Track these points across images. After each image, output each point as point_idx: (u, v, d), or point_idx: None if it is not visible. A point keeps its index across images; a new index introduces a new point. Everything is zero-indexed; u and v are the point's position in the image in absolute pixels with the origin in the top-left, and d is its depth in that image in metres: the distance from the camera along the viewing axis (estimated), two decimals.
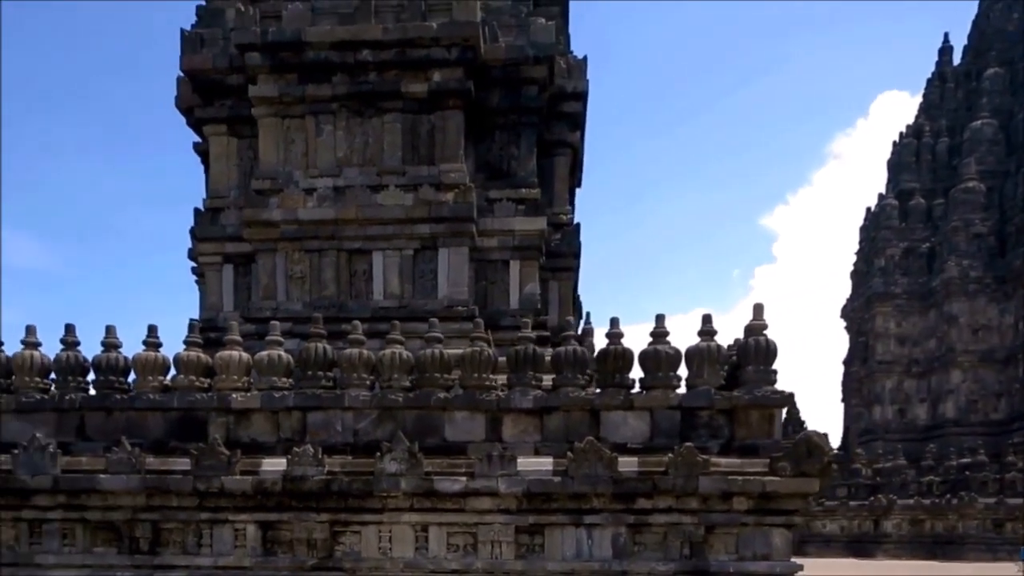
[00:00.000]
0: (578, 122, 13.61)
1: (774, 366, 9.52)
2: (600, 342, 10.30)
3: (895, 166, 52.59)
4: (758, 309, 9.73)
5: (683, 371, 9.65)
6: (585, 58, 13.65)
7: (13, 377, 9.69)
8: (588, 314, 21.10)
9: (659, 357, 9.58)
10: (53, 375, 9.79)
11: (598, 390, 9.58)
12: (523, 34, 12.42)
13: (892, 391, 49.60)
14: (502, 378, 9.78)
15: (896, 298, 49.11)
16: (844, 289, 56.16)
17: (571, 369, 9.58)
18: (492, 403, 9.43)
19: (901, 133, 53.43)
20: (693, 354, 9.58)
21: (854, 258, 54.68)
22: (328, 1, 12.10)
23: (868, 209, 53.35)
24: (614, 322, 10.19)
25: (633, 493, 8.91)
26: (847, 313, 55.13)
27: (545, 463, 9.07)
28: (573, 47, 14.28)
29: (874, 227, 51.36)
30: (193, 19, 13.36)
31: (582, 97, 13.43)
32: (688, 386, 9.55)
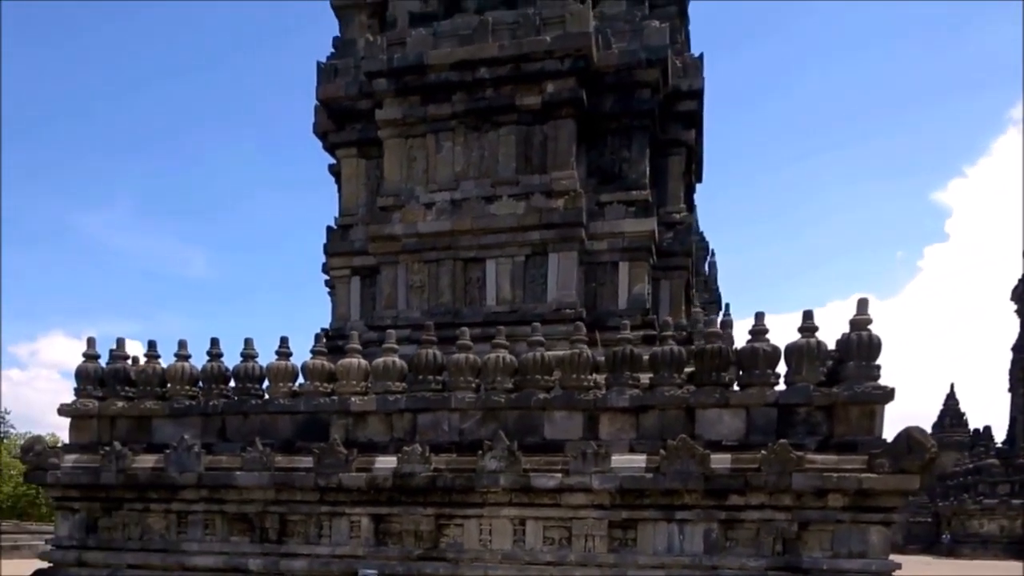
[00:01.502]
0: (694, 120, 13.70)
1: (877, 361, 9.37)
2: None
3: None
4: (862, 304, 9.62)
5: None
6: (701, 56, 13.74)
7: (168, 385, 11.02)
8: (727, 306, 21.12)
9: (756, 355, 9.65)
10: (200, 383, 11.02)
11: (694, 388, 9.78)
12: (636, 38, 12.65)
13: None
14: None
15: None
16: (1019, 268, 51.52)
17: (667, 368, 9.82)
18: (589, 402, 9.80)
19: None
20: (792, 351, 9.58)
21: None
22: (449, 24, 12.82)
23: None
24: (709, 323, 10.45)
25: (725, 489, 9.06)
26: (1018, 294, 50.63)
27: (638, 460, 9.38)
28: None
29: None
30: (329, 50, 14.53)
31: (698, 95, 13.52)
32: (787, 383, 9.56)
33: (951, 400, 47.71)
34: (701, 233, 26.70)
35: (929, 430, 48.21)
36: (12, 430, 57.34)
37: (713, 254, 26.57)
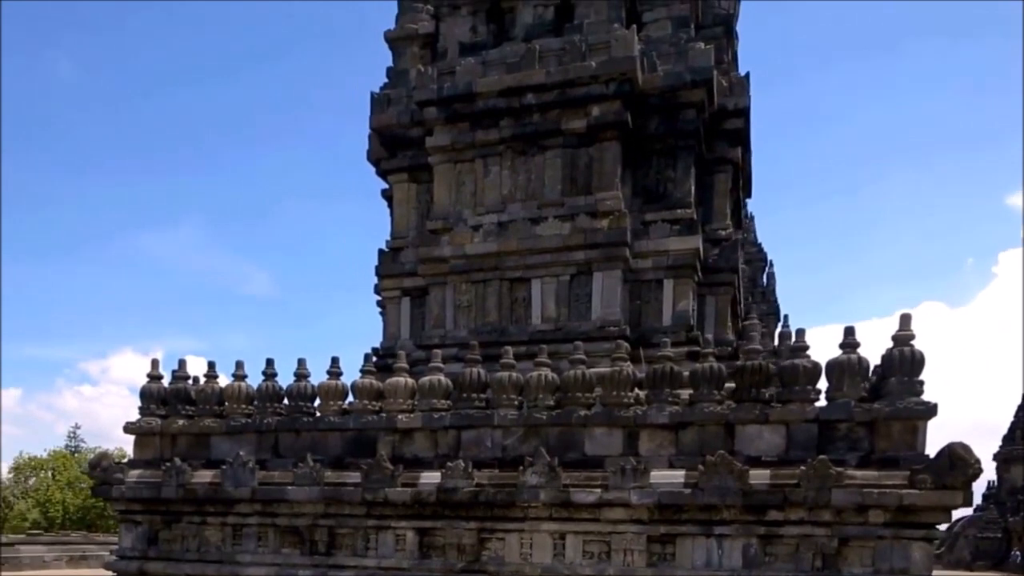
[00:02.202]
0: (740, 138, 13.79)
1: (920, 376, 9.35)
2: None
3: None
4: (905, 319, 9.60)
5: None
6: (747, 75, 13.86)
7: (225, 404, 11.52)
8: (786, 317, 20.86)
9: (796, 371, 9.68)
10: (255, 402, 11.48)
11: (734, 404, 9.84)
12: (681, 60, 12.78)
13: None
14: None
15: None
16: None
17: (707, 385, 9.91)
18: (629, 419, 9.94)
19: None
20: (833, 367, 9.60)
21: None
22: (497, 53, 13.16)
23: None
24: (751, 338, 10.44)
25: (764, 505, 9.10)
26: None
27: (677, 475, 9.48)
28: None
29: None
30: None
31: (744, 113, 13.62)
32: (828, 399, 9.58)
33: (1022, 414, 45.85)
34: (759, 245, 26.60)
35: (999, 442, 46.52)
36: (83, 444, 59.30)
37: (771, 265, 26.51)
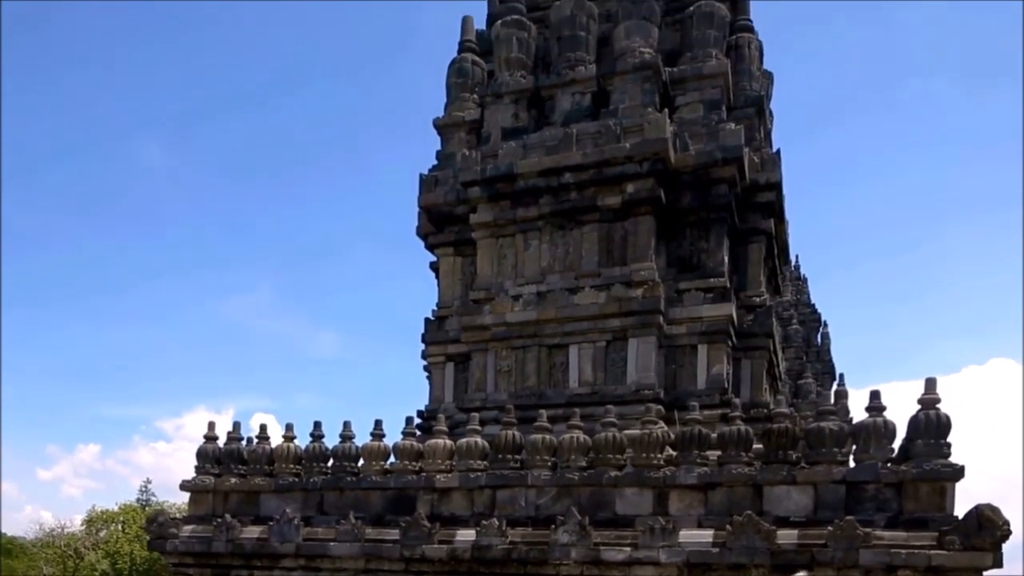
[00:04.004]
0: (773, 210, 14.18)
1: (947, 439, 9.50)
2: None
3: None
4: (930, 383, 9.80)
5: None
6: (778, 151, 14.33)
7: (274, 464, 12.07)
8: (842, 376, 20.89)
9: (823, 434, 9.90)
10: (303, 461, 11.99)
11: (762, 465, 10.05)
12: (712, 140, 13.29)
13: None
14: None
15: None
16: None
17: (735, 447, 10.17)
18: (659, 480, 10.23)
19: None
20: (860, 429, 9.80)
21: None
22: (536, 137, 13.85)
23: None
24: (779, 402, 10.72)
25: (791, 564, 9.25)
26: None
27: (705, 535, 9.69)
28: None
29: None
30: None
31: (775, 187, 14.04)
32: (856, 460, 9.76)
33: None
34: (812, 306, 26.89)
35: None
36: (153, 498, 59.87)
37: (825, 325, 26.75)
